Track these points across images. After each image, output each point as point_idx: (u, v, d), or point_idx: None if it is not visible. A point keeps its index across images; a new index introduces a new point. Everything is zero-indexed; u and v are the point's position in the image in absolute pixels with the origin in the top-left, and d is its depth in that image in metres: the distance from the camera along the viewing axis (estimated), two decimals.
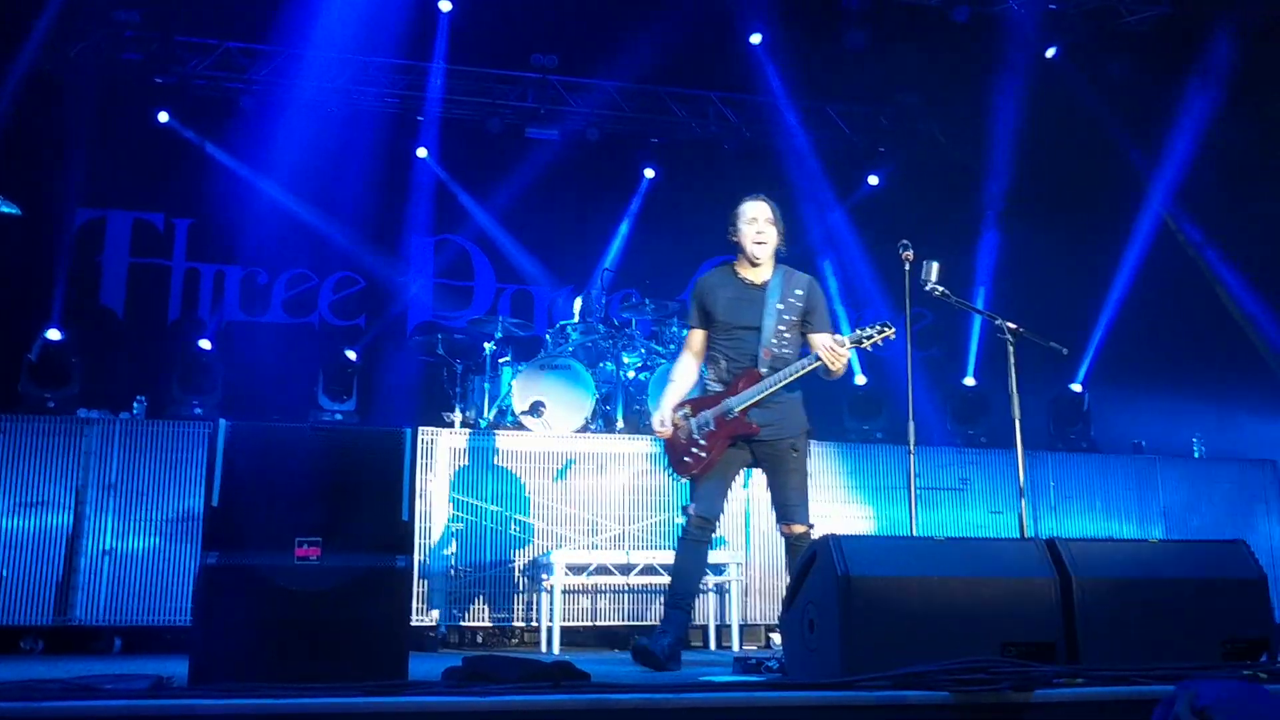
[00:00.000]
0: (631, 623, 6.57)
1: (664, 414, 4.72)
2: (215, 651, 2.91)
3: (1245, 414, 8.22)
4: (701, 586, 6.14)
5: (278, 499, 3.03)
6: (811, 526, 4.62)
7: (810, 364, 4.54)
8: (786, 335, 4.67)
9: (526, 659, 2.99)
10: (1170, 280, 9.09)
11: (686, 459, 4.63)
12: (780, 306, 4.66)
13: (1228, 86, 8.22)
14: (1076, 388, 8.59)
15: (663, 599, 4.86)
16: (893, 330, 4.56)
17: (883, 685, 2.80)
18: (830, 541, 3.18)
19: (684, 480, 4.94)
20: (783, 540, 4.66)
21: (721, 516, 4.74)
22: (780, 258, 4.80)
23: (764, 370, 4.59)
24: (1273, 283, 8.53)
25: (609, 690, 2.68)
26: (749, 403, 4.56)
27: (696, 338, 4.84)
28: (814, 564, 3.26)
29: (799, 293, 4.70)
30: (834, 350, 4.48)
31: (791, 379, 4.57)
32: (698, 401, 4.72)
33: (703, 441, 4.60)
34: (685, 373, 4.85)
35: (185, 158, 9.51)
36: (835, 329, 4.77)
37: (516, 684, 2.71)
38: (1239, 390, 8.40)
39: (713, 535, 4.72)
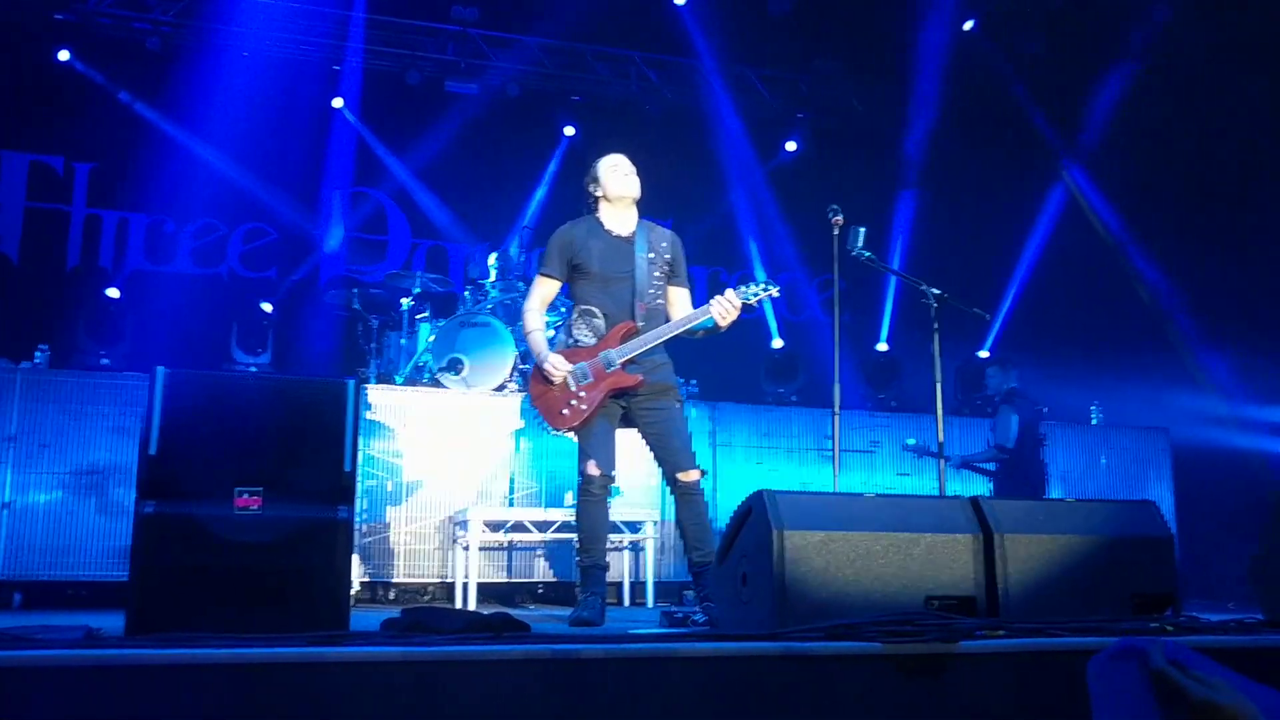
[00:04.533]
0: (547, 579, 6.61)
1: (553, 358, 4.54)
2: (152, 602, 2.85)
3: (1141, 383, 8.55)
4: (617, 544, 6.22)
5: (218, 448, 2.96)
6: (705, 472, 4.62)
7: (699, 317, 4.50)
8: (657, 288, 4.66)
9: (466, 610, 3.00)
10: (1076, 253, 9.39)
11: (564, 411, 4.49)
12: (651, 256, 4.65)
13: (1139, 66, 8.49)
14: (984, 354, 8.83)
15: (578, 559, 4.80)
16: (777, 289, 4.57)
17: (815, 637, 2.88)
18: (765, 497, 3.25)
19: (559, 434, 4.85)
20: (678, 494, 4.57)
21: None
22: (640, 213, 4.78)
23: (639, 323, 4.55)
24: (1176, 258, 8.88)
25: (551, 641, 2.70)
26: (631, 354, 4.49)
27: (552, 288, 4.74)
28: (748, 519, 3.33)
29: (664, 244, 4.72)
30: (726, 306, 4.44)
31: (677, 332, 4.53)
32: (570, 354, 4.59)
33: (581, 394, 4.48)
34: (542, 321, 4.76)
35: (87, 99, 9.12)
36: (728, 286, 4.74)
37: (459, 634, 2.71)
38: (1136, 360, 8.74)
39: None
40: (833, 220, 5.01)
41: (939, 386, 4.95)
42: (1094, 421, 8.22)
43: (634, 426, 4.67)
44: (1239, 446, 8.27)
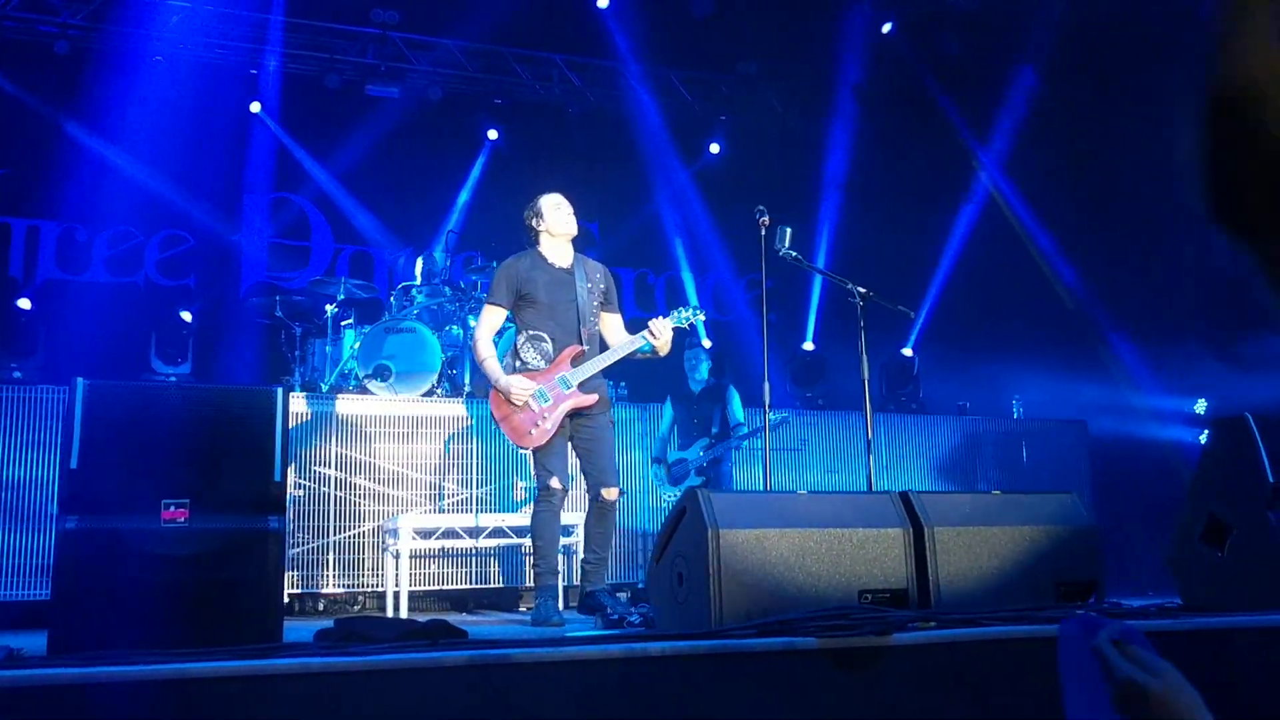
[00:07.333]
0: (478, 586, 6.57)
1: (513, 381, 4.88)
2: (76, 620, 2.77)
3: (1060, 377, 8.74)
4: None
5: (142, 460, 2.89)
6: (622, 492, 5.09)
7: (637, 343, 4.95)
8: (595, 314, 5.08)
9: (401, 619, 2.97)
10: (995, 251, 9.57)
11: (532, 431, 4.87)
12: (589, 286, 5.07)
13: (1051, 66, 8.69)
14: (908, 352, 8.97)
15: (533, 568, 5.14)
16: (703, 314, 5.18)
17: (751, 634, 2.90)
18: (699, 496, 3.27)
19: (525, 451, 5.16)
20: (596, 505, 4.99)
21: None
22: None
23: (585, 347, 4.95)
24: (1089, 253, 9.10)
25: (487, 646, 2.69)
26: (585, 376, 4.90)
27: (499, 316, 5.11)
28: (683, 518, 3.34)
29: (598, 275, 5.17)
30: (657, 330, 4.92)
31: (621, 356, 4.98)
32: (525, 377, 4.93)
33: (546, 414, 4.86)
34: (492, 349, 5.12)
35: None
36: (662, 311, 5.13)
37: (394, 643, 2.68)
38: (1054, 355, 8.93)
39: None
40: (760, 221, 5.11)
41: (866, 384, 5.02)
42: (1016, 415, 8.40)
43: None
44: (1153, 437, 8.50)
